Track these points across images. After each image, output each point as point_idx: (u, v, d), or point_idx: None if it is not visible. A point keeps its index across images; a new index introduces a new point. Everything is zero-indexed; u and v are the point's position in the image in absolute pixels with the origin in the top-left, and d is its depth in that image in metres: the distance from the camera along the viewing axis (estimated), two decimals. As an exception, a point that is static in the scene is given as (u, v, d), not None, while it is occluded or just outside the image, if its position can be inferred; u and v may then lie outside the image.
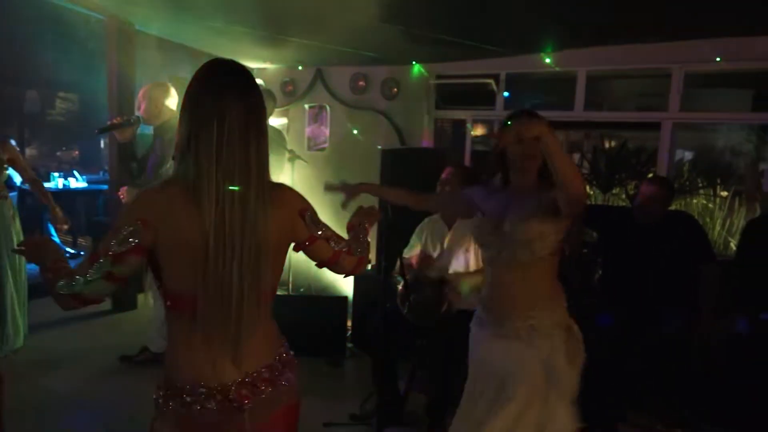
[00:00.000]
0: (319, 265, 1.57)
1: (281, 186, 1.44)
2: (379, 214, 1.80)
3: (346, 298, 4.33)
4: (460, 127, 5.17)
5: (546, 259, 1.97)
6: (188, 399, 1.34)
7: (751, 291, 3.15)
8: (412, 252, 3.39)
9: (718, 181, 5.35)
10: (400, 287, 3.13)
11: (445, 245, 3.32)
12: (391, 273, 3.23)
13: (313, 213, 1.48)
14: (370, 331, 3.31)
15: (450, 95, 5.13)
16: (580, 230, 3.90)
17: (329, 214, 1.85)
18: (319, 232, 1.49)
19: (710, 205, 5.25)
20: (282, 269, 1.49)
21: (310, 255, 1.53)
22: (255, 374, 1.38)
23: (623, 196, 4.92)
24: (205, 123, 1.29)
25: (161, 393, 1.40)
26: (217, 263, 1.28)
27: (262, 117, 1.37)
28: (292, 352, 1.51)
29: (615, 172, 4.96)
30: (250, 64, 5.55)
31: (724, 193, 5.21)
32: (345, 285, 4.95)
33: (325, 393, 3.54)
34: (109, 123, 3.75)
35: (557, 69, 4.35)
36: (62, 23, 5.61)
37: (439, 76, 4.99)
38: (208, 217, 1.27)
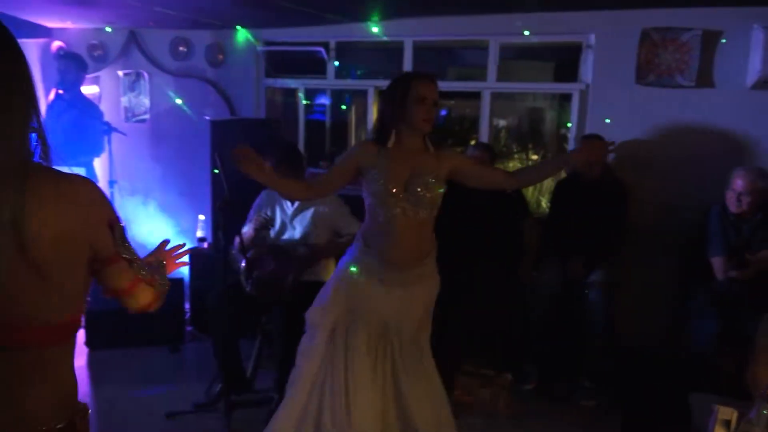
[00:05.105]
0: (108, 293, 1.22)
1: (74, 178, 1.11)
2: (183, 262, 1.55)
3: (182, 280, 4.07)
4: (291, 96, 5.05)
5: (432, 216, 2.33)
6: None
7: (562, 243, 3.54)
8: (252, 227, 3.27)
9: (530, 146, 5.91)
10: (242, 265, 3.01)
11: (289, 216, 3.26)
12: (229, 250, 3.09)
13: (122, 227, 1.19)
14: (210, 310, 3.16)
15: (281, 63, 4.97)
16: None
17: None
18: (125, 254, 1.18)
19: None
20: (83, 288, 1.16)
21: (103, 277, 1.18)
22: None
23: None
24: None
25: None
26: None
27: (9, 89, 1.03)
28: (89, 413, 1.20)
29: (443, 138, 5.24)
30: (47, 23, 4.84)
31: (535, 157, 5.77)
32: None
33: (167, 382, 3.35)
34: None
35: (385, 38, 4.42)
36: None
37: (267, 43, 4.81)
38: None
